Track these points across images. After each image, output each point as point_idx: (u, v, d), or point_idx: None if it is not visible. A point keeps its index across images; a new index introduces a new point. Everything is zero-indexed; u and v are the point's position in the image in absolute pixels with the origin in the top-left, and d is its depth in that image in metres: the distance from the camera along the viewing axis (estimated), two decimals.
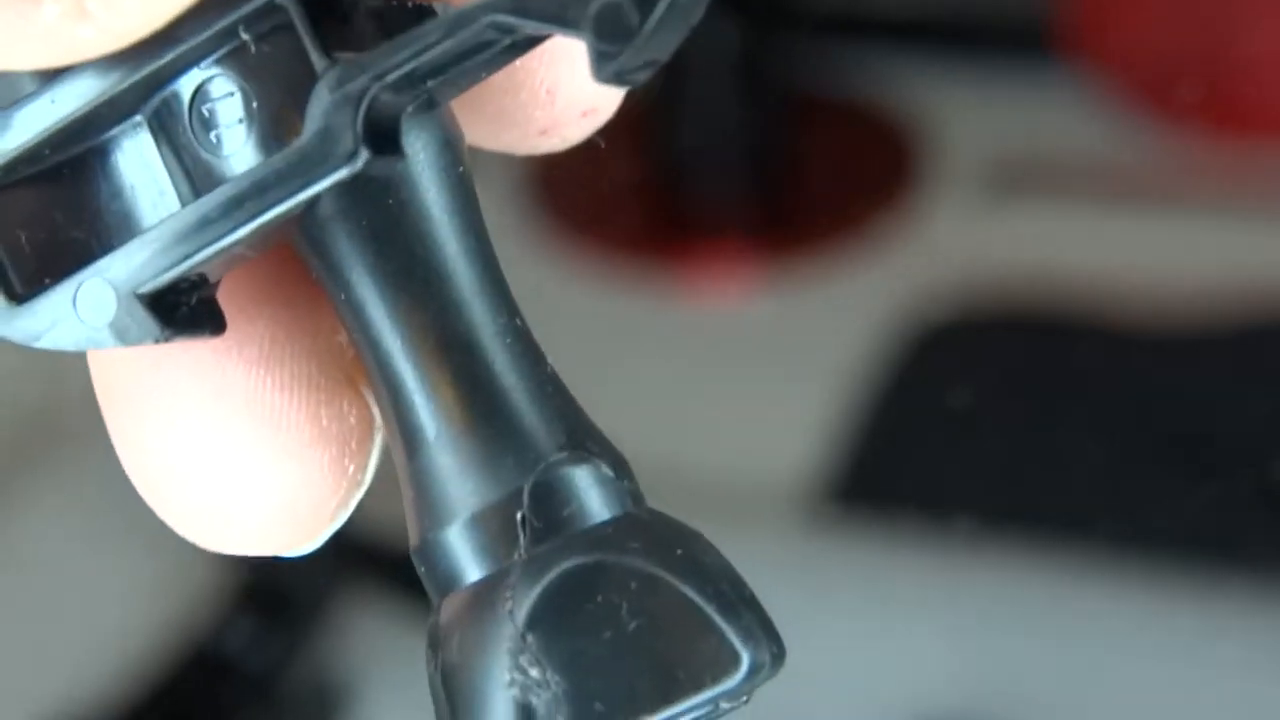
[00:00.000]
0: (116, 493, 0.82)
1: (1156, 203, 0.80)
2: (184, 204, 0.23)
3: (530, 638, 0.23)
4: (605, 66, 0.21)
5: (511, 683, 0.23)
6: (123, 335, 0.23)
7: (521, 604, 0.23)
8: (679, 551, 0.23)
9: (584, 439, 0.23)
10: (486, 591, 0.23)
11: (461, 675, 0.23)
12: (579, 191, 0.87)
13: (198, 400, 0.24)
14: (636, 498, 0.24)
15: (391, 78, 0.22)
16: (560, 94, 0.24)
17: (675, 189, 0.88)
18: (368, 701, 0.64)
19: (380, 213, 0.23)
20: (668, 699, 0.22)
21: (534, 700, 0.23)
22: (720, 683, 0.22)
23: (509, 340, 0.24)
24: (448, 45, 0.22)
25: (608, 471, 0.23)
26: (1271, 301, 0.73)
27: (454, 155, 0.24)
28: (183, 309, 0.23)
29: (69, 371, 0.87)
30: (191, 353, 0.24)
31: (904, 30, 0.92)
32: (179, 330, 0.23)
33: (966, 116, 0.88)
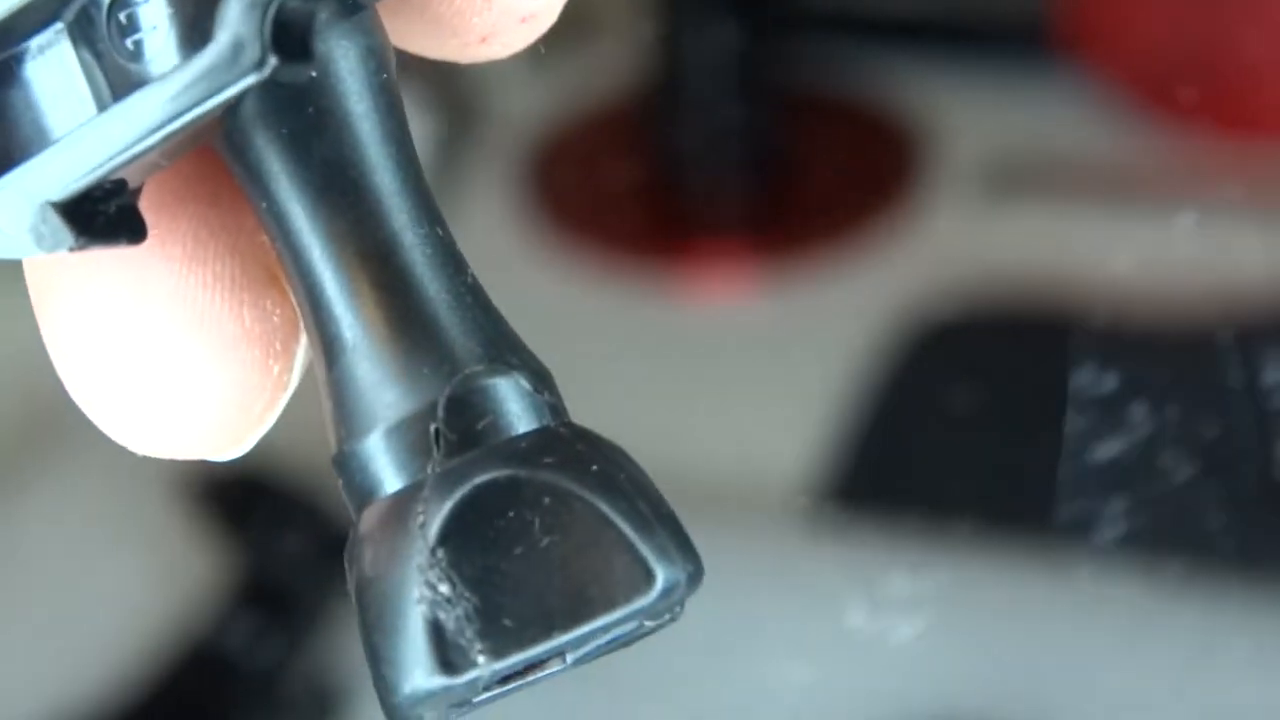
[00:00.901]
0: (116, 493, 0.82)
1: (1156, 203, 0.80)
2: (63, 123, 0.23)
3: (441, 553, 0.22)
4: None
5: (420, 599, 0.22)
6: (39, 243, 0.22)
7: (433, 519, 0.22)
8: (594, 468, 0.23)
9: (504, 351, 0.23)
10: (400, 505, 0.23)
11: (374, 590, 0.23)
12: (578, 191, 0.87)
13: (122, 299, 0.24)
14: (557, 411, 0.23)
15: None
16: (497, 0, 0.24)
17: (674, 189, 0.88)
18: (368, 701, 0.64)
19: (300, 120, 0.23)
20: (579, 617, 0.22)
21: (442, 616, 0.22)
22: (633, 601, 0.22)
23: (429, 250, 0.23)
24: None
25: (526, 384, 0.23)
26: (1272, 301, 0.73)
27: (377, 63, 0.23)
28: (100, 217, 0.23)
29: None
30: (116, 251, 0.24)
31: (904, 30, 0.92)
32: (94, 238, 0.22)
33: (966, 116, 0.88)
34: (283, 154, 0.23)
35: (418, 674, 0.22)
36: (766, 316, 0.81)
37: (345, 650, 0.65)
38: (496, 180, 0.86)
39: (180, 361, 0.24)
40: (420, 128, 0.84)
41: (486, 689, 0.23)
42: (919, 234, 0.83)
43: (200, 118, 0.22)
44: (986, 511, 0.68)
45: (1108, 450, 0.61)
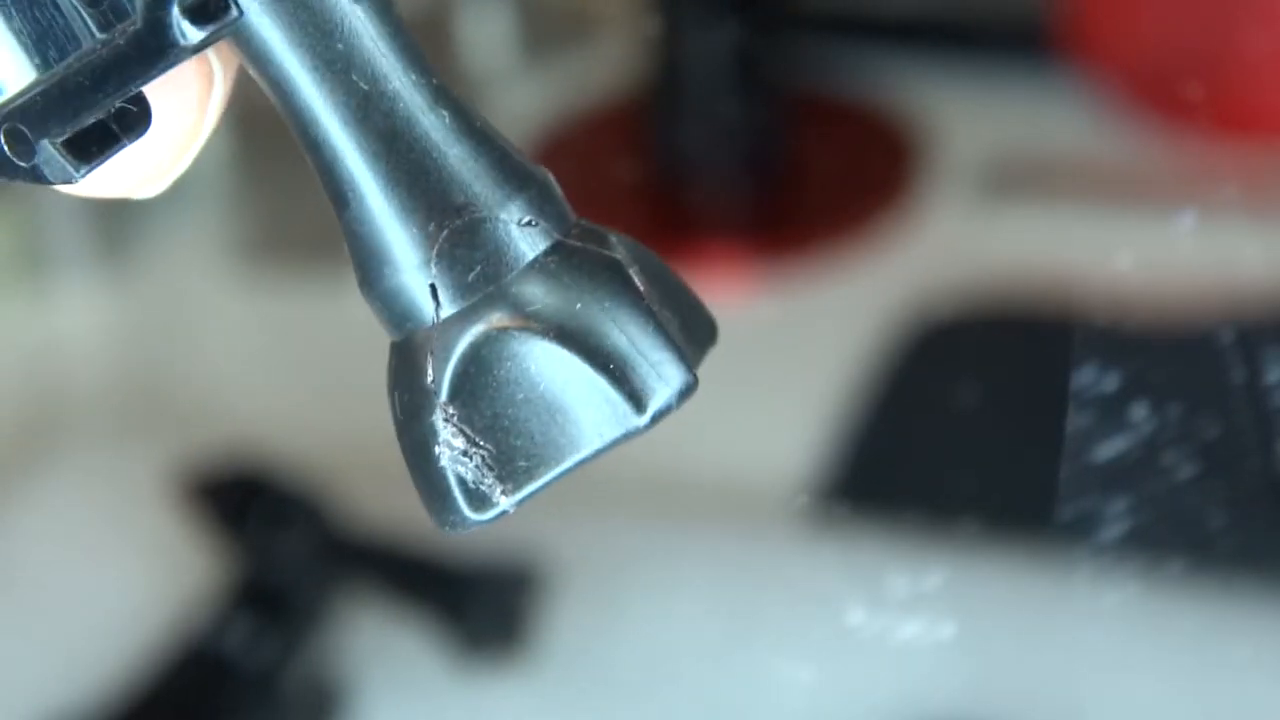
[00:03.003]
0: (116, 493, 0.82)
1: (1156, 202, 0.80)
2: (53, 63, 0.24)
3: (451, 409, 0.25)
4: None
5: (440, 456, 0.25)
6: (48, 175, 0.24)
7: (440, 380, 0.25)
8: (579, 305, 0.25)
9: (493, 183, 0.25)
10: (414, 354, 0.25)
11: (405, 437, 0.25)
12: (577, 191, 0.87)
13: None
14: (550, 231, 0.25)
15: None
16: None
17: (674, 189, 0.88)
18: (367, 701, 0.64)
19: (283, 6, 0.24)
20: (582, 447, 0.25)
21: (462, 470, 0.25)
22: (628, 426, 0.25)
23: (417, 97, 0.25)
24: None
25: (513, 219, 0.25)
26: (1273, 301, 0.73)
27: None
28: (103, 131, 0.24)
29: (69, 372, 0.87)
30: None
31: (904, 30, 0.92)
32: (97, 161, 0.24)
33: (966, 116, 0.88)
34: (265, 30, 0.24)
35: (451, 514, 0.25)
36: (767, 316, 0.81)
37: (345, 650, 0.65)
38: None
39: None
40: None
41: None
42: (919, 234, 0.83)
43: (180, 57, 0.23)
44: (987, 511, 0.67)
45: (1108, 450, 0.61)
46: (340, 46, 0.25)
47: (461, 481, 0.25)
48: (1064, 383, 0.63)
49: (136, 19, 0.23)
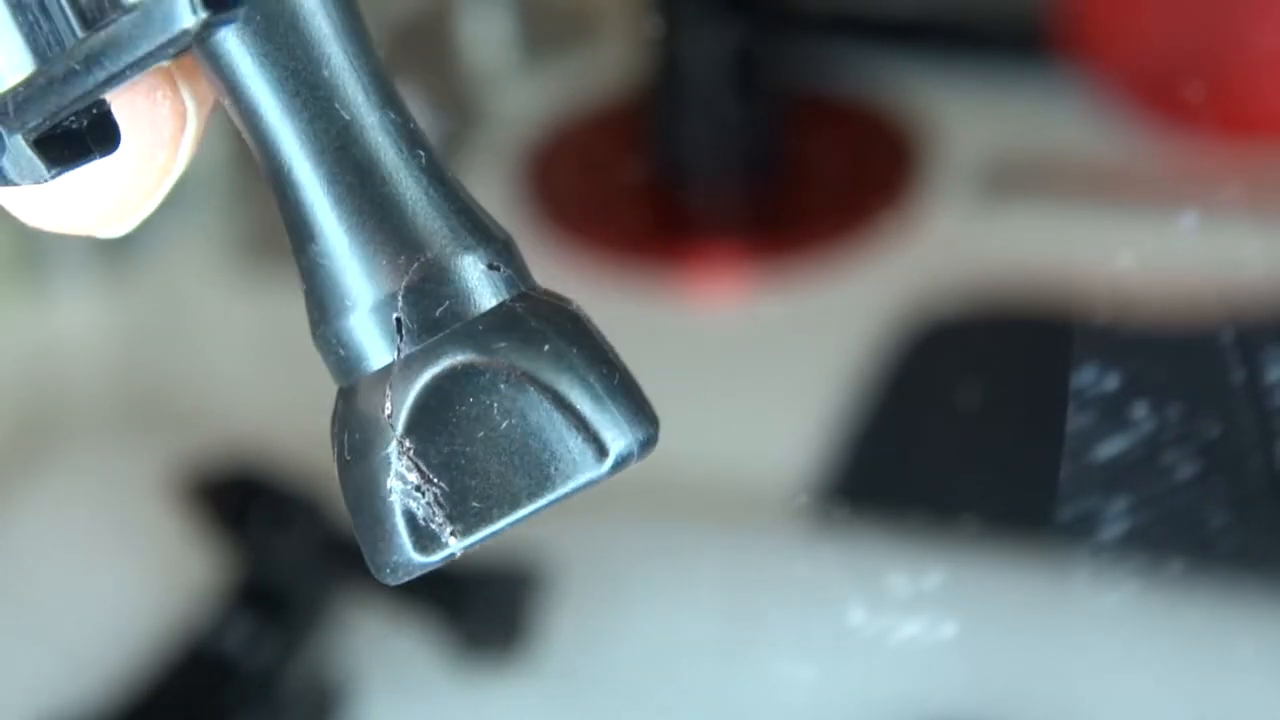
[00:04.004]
0: (115, 493, 0.81)
1: (1157, 202, 0.80)
2: (38, 59, 0.24)
3: (408, 443, 0.24)
4: None
5: (391, 491, 0.24)
6: (15, 176, 0.24)
7: (399, 410, 0.24)
8: (546, 347, 0.24)
9: (460, 229, 0.25)
10: (369, 392, 0.24)
11: (352, 475, 0.25)
12: (577, 191, 0.87)
13: None
14: (514, 283, 0.25)
15: None
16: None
17: (674, 189, 0.88)
18: (367, 701, 0.64)
19: (257, 23, 0.24)
20: (540, 493, 0.24)
21: (413, 505, 0.24)
22: (589, 473, 0.24)
23: (384, 136, 0.24)
24: None
25: (482, 262, 0.25)
26: (1273, 300, 0.73)
27: None
28: (72, 138, 0.24)
29: (69, 372, 0.87)
30: None
31: (904, 30, 0.92)
32: (66, 165, 0.24)
33: (966, 116, 0.88)
34: (245, 55, 0.24)
35: (396, 556, 0.24)
36: (767, 316, 0.81)
37: (345, 650, 0.65)
38: (496, 180, 0.86)
39: None
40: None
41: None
42: (919, 234, 0.83)
43: (158, 57, 0.23)
44: (987, 510, 0.67)
45: (1109, 449, 0.61)
46: (325, 74, 0.24)
47: (411, 518, 0.24)
48: (1064, 382, 0.63)
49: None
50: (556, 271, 0.83)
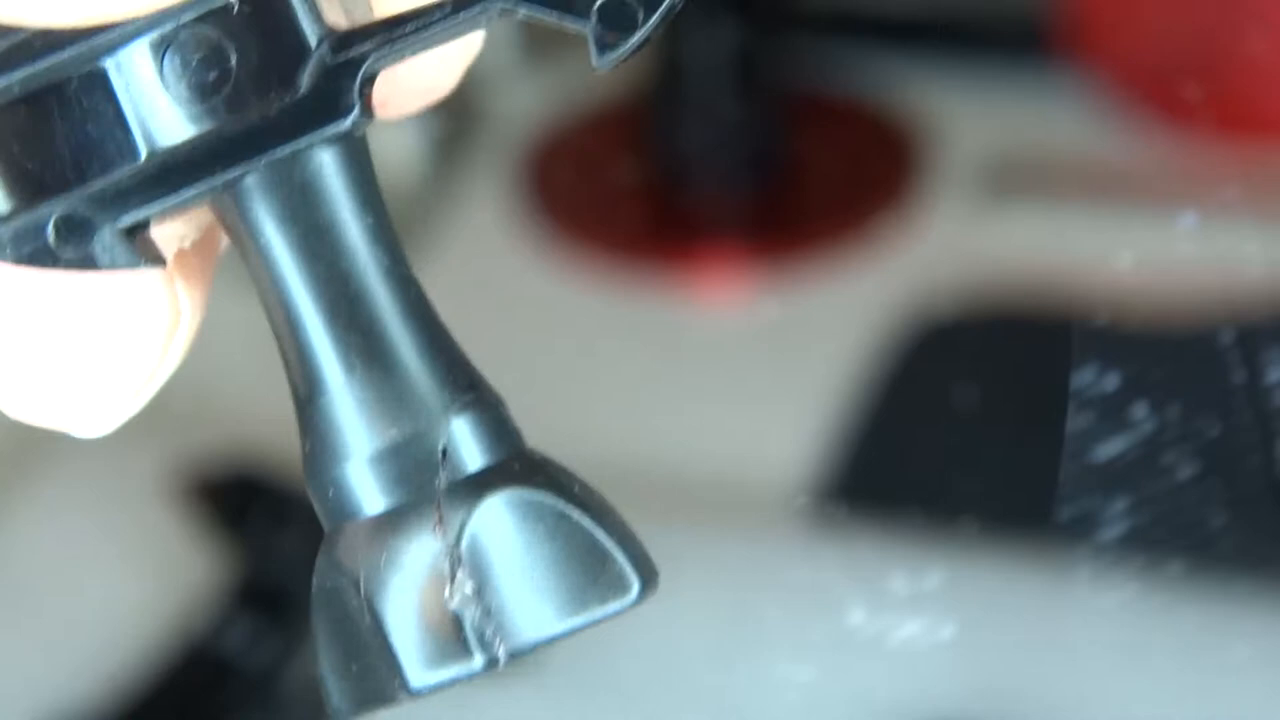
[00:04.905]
0: (115, 493, 0.82)
1: (1157, 203, 0.80)
2: (148, 148, 0.24)
3: (460, 555, 0.25)
4: (606, 55, 0.25)
5: (446, 596, 0.25)
6: (108, 262, 0.24)
7: (451, 527, 0.25)
8: (575, 489, 0.26)
9: (470, 386, 0.26)
10: (402, 519, 0.25)
11: (381, 591, 0.25)
12: (577, 191, 0.87)
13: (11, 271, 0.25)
14: (520, 437, 0.26)
15: (392, 49, 0.24)
16: (402, 71, 0.25)
17: (674, 189, 0.88)
18: None
19: (289, 186, 0.25)
20: (578, 613, 0.26)
21: (463, 613, 0.25)
22: (620, 601, 0.26)
23: (402, 296, 0.25)
24: (445, 25, 0.24)
25: (500, 416, 0.26)
26: (1273, 300, 0.73)
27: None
28: (146, 244, 0.25)
29: None
30: None
31: (904, 30, 0.92)
32: (148, 263, 0.25)
33: (966, 116, 0.88)
34: (273, 215, 0.25)
35: (438, 662, 0.26)
36: (766, 316, 0.81)
37: None
38: (495, 180, 0.86)
39: (57, 336, 0.25)
40: (419, 127, 0.84)
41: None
42: (919, 234, 0.83)
43: (277, 155, 0.24)
44: (987, 511, 0.67)
45: (1109, 450, 0.61)
46: (344, 230, 0.25)
47: (459, 625, 0.25)
48: (1064, 382, 0.63)
49: (300, 85, 0.24)
50: (556, 272, 0.83)
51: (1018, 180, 0.84)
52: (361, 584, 0.25)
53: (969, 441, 0.72)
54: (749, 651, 0.64)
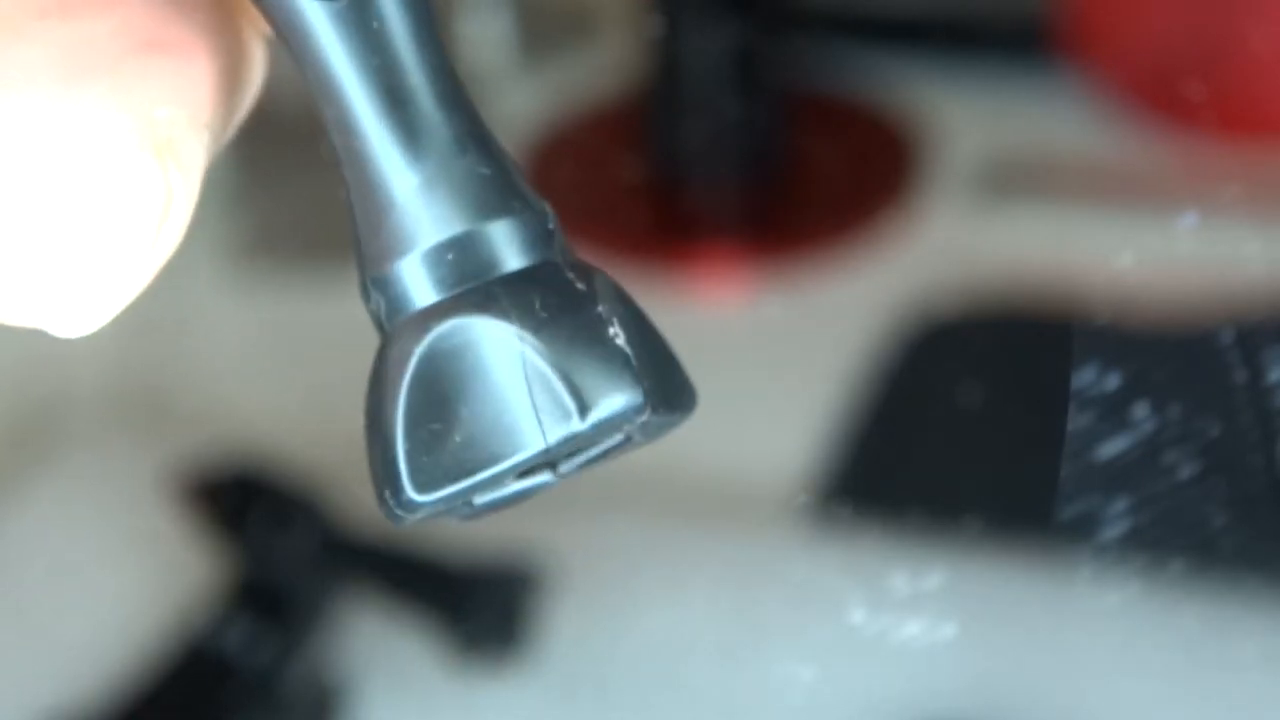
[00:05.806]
0: (114, 492, 0.81)
1: (1157, 203, 0.80)
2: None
3: (417, 388, 0.25)
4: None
5: (400, 428, 0.26)
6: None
7: (410, 359, 0.25)
8: (544, 315, 0.26)
9: (509, 193, 0.26)
10: (400, 337, 0.26)
11: (371, 415, 0.26)
12: (577, 191, 0.87)
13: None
14: (551, 248, 0.27)
15: None
16: None
17: (674, 188, 0.88)
18: (367, 701, 0.64)
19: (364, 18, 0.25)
20: (518, 448, 0.25)
21: (419, 441, 0.25)
22: (567, 430, 0.25)
23: (452, 100, 0.26)
24: None
25: (528, 227, 0.26)
26: (1274, 300, 0.73)
27: None
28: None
29: (69, 371, 0.87)
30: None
31: (904, 30, 0.92)
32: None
33: (966, 116, 0.88)
34: (345, 47, 0.25)
35: (400, 491, 0.26)
36: (766, 316, 0.81)
37: (345, 650, 0.65)
38: None
39: (45, 221, 0.24)
40: None
41: (470, 503, 0.26)
42: (919, 234, 0.83)
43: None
44: (988, 511, 0.67)
45: (1109, 449, 0.61)
46: (387, 43, 0.25)
47: (413, 454, 0.26)
48: (1065, 382, 0.63)
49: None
50: None
51: (1018, 180, 0.84)
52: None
53: (969, 441, 0.72)
54: (750, 651, 0.64)
